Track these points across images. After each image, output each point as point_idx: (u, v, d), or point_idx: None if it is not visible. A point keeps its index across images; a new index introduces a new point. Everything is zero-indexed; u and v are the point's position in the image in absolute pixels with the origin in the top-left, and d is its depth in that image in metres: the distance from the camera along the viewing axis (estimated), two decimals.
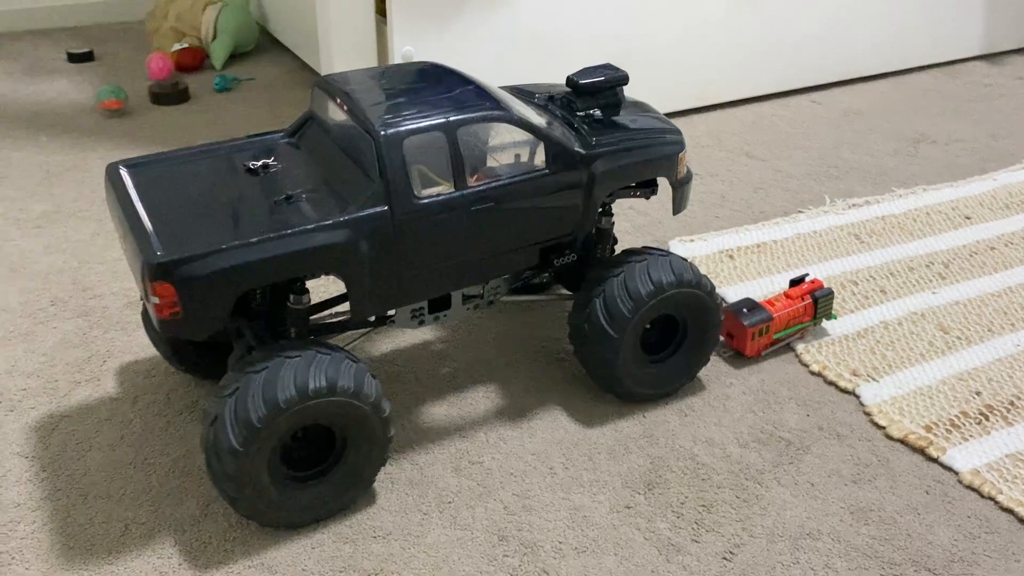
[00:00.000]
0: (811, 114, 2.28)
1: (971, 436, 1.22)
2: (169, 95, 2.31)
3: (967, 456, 1.19)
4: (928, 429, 1.24)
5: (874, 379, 1.33)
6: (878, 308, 1.50)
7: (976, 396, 1.30)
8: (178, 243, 0.98)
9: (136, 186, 1.09)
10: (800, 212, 1.79)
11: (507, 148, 1.16)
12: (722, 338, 1.36)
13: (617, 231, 1.50)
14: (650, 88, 1.91)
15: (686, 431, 1.24)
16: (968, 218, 1.78)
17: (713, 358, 1.35)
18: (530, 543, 1.06)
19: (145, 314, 1.24)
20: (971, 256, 1.65)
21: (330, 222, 1.01)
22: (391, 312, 1.17)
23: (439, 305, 1.19)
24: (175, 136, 2.13)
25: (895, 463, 1.19)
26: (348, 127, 1.11)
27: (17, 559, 1.03)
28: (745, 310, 1.34)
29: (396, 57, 1.86)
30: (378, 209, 1.03)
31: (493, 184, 1.10)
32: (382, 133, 1.04)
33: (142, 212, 1.03)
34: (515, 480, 1.15)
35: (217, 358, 1.24)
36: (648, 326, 1.23)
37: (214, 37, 2.58)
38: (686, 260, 1.24)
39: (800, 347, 1.39)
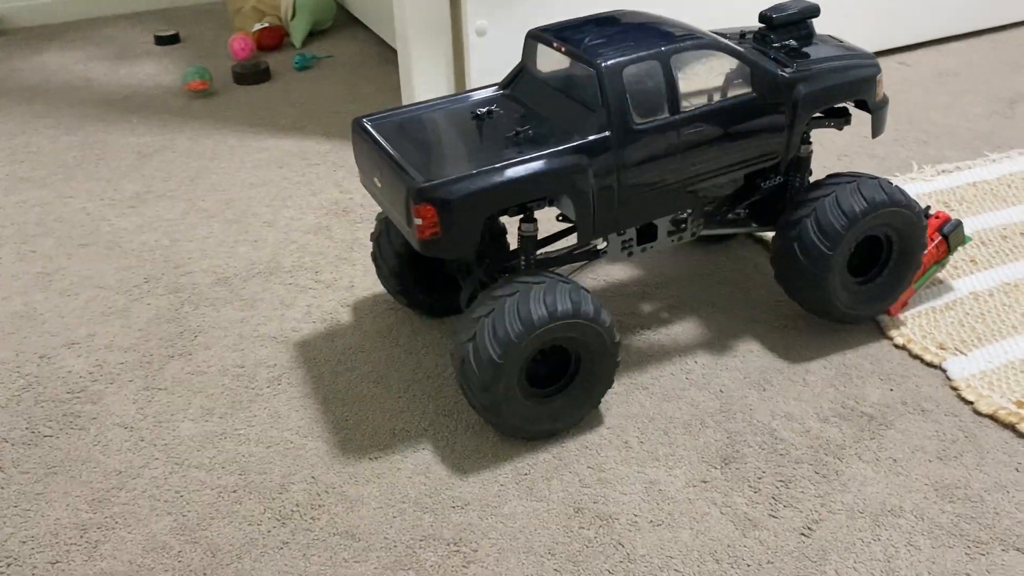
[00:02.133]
0: (899, 76, 2.20)
1: None
2: (251, 75, 2.37)
3: None
4: (1020, 404, 1.19)
5: (962, 352, 1.29)
6: (968, 279, 1.45)
7: None
8: (434, 172, 1.10)
9: (381, 134, 1.20)
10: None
11: (715, 75, 1.22)
12: None
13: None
14: None
15: (764, 406, 1.22)
16: None
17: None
18: (605, 515, 1.07)
19: (376, 255, 1.37)
20: None
21: (561, 148, 1.12)
22: (602, 245, 1.27)
23: (646, 237, 1.28)
24: (258, 115, 2.19)
25: (983, 439, 1.16)
26: (564, 68, 1.21)
27: (120, 523, 1.09)
28: None
29: (470, 31, 1.86)
30: (602, 135, 1.13)
31: (705, 109, 1.18)
32: (603, 64, 1.13)
33: (394, 153, 1.14)
34: (590, 453, 1.16)
35: (438, 297, 1.39)
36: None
37: (293, 16, 2.63)
38: (892, 183, 1.28)
39: (884, 319, 1.36)
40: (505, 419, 1.14)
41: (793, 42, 1.28)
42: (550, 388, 1.17)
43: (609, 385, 1.19)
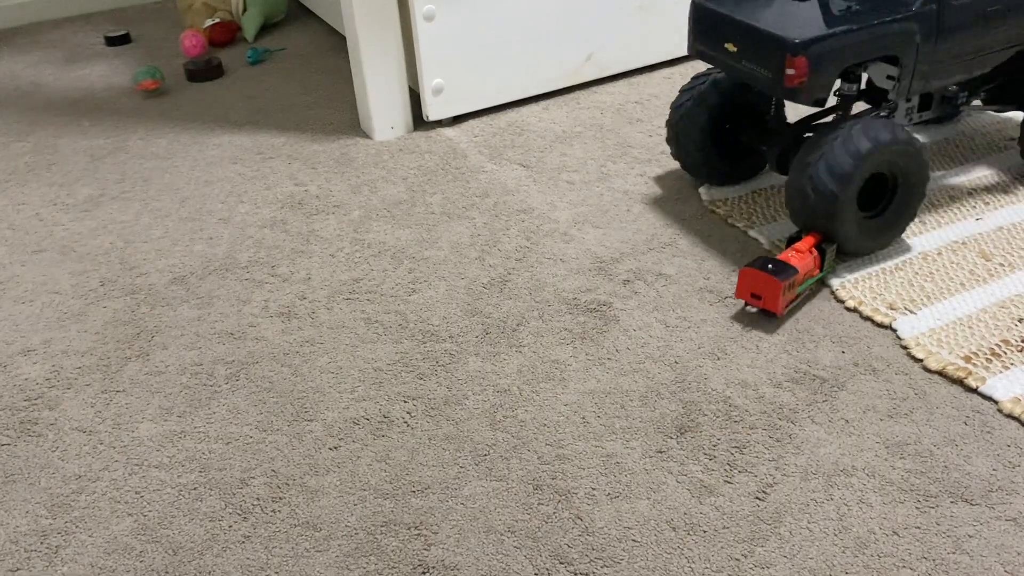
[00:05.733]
0: None
1: (1012, 364, 1.20)
2: (204, 71, 2.35)
3: (1008, 384, 1.17)
4: (967, 360, 1.22)
5: (911, 312, 1.31)
6: (917, 239, 1.47)
7: (1018, 323, 1.27)
8: (800, 32, 1.31)
9: (732, 10, 1.41)
10: None
11: None
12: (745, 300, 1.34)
13: None
14: None
15: (719, 375, 1.24)
16: (1012, 139, 1.72)
17: (743, 314, 1.34)
18: (564, 491, 1.09)
19: (677, 136, 1.61)
20: (1015, 180, 1.60)
21: (898, 16, 1.35)
22: (884, 113, 1.49)
23: (923, 107, 1.54)
24: (211, 112, 2.17)
25: (932, 395, 1.18)
26: None
27: (80, 527, 1.09)
28: (770, 266, 1.30)
29: (419, 17, 1.86)
30: (928, 7, 1.36)
31: None
32: None
33: (755, 21, 1.36)
34: (548, 431, 1.17)
35: (736, 165, 1.65)
36: None
37: (244, 10, 2.60)
38: None
39: (835, 283, 1.38)
40: (848, 239, 1.37)
41: None
42: (879, 208, 1.40)
43: (923, 197, 1.42)
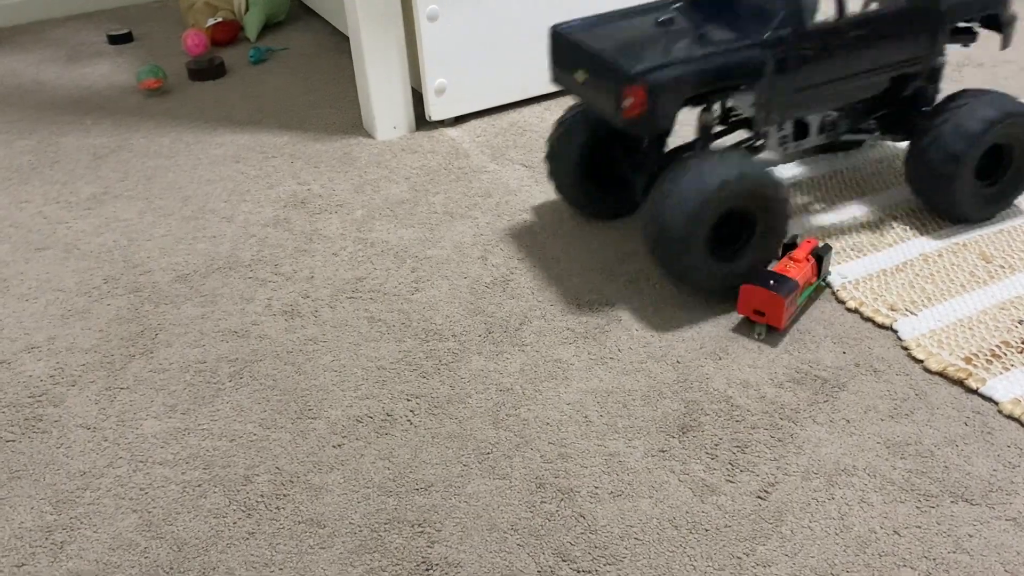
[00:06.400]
0: None
1: (1013, 365, 1.21)
2: (206, 71, 2.35)
3: (1008, 385, 1.18)
4: (968, 360, 1.22)
5: (912, 313, 1.32)
6: (918, 240, 1.47)
7: (1019, 325, 1.28)
8: (640, 62, 1.25)
9: (581, 37, 1.35)
10: None
11: None
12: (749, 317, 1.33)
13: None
14: None
15: (720, 374, 1.25)
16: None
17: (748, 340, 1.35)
18: (566, 489, 1.09)
19: (553, 157, 1.54)
20: None
21: (749, 42, 1.29)
22: (759, 143, 1.43)
23: (799, 135, 1.47)
24: (214, 111, 2.18)
25: (933, 396, 1.18)
26: None
27: (85, 523, 1.09)
28: (772, 282, 1.28)
29: (422, 17, 1.86)
30: (781, 34, 1.30)
31: (865, 14, 1.35)
32: None
33: (599, 49, 1.30)
34: (551, 430, 1.18)
35: (609, 202, 1.58)
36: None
37: (247, 10, 2.61)
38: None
39: (837, 284, 1.38)
40: (699, 282, 1.32)
41: None
42: (732, 249, 1.33)
43: (783, 236, 1.35)
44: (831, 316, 1.34)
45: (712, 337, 1.31)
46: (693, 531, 1.03)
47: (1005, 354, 1.23)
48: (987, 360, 1.22)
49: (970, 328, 1.28)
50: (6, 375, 1.34)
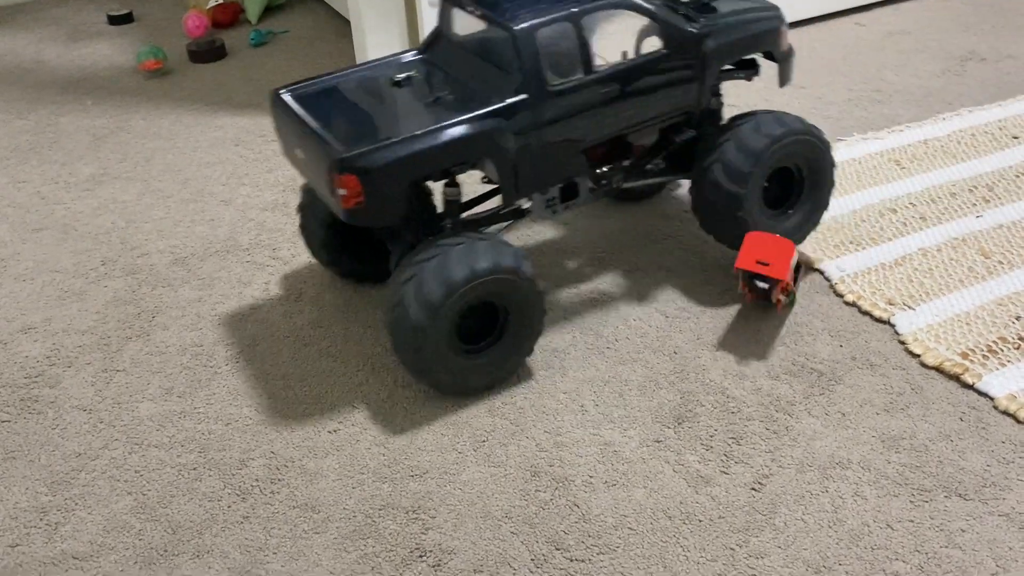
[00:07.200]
0: (855, 36, 2.21)
1: (1009, 361, 1.21)
2: (206, 52, 2.34)
3: (1004, 381, 1.18)
4: (964, 356, 1.22)
5: (910, 307, 1.31)
6: (917, 235, 1.47)
7: (1016, 321, 1.28)
8: (354, 142, 1.10)
9: (301, 105, 1.20)
10: (840, 140, 1.75)
11: (627, 33, 1.28)
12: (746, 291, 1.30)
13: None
14: None
15: (717, 365, 1.25)
16: (1016, 138, 1.72)
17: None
18: (561, 478, 1.09)
19: (304, 228, 1.38)
20: (1017, 177, 1.60)
21: (481, 112, 1.13)
22: (527, 205, 1.30)
23: (569, 195, 1.29)
24: (214, 93, 2.17)
25: (929, 391, 1.18)
26: (480, 32, 1.23)
27: (80, 505, 1.09)
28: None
29: (423, 5, 1.85)
30: (519, 98, 1.15)
31: (618, 68, 1.22)
32: (516, 28, 1.14)
33: (314, 124, 1.15)
34: (547, 418, 1.18)
35: (370, 264, 1.40)
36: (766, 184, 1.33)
37: None
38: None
39: (835, 278, 1.38)
40: (439, 378, 1.16)
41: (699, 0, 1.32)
42: (482, 343, 1.19)
43: (539, 334, 1.21)
44: (828, 309, 1.34)
45: (709, 328, 1.31)
46: (687, 521, 1.03)
47: (1002, 350, 1.23)
48: (984, 356, 1.22)
49: (967, 323, 1.28)
50: (2, 356, 1.34)
